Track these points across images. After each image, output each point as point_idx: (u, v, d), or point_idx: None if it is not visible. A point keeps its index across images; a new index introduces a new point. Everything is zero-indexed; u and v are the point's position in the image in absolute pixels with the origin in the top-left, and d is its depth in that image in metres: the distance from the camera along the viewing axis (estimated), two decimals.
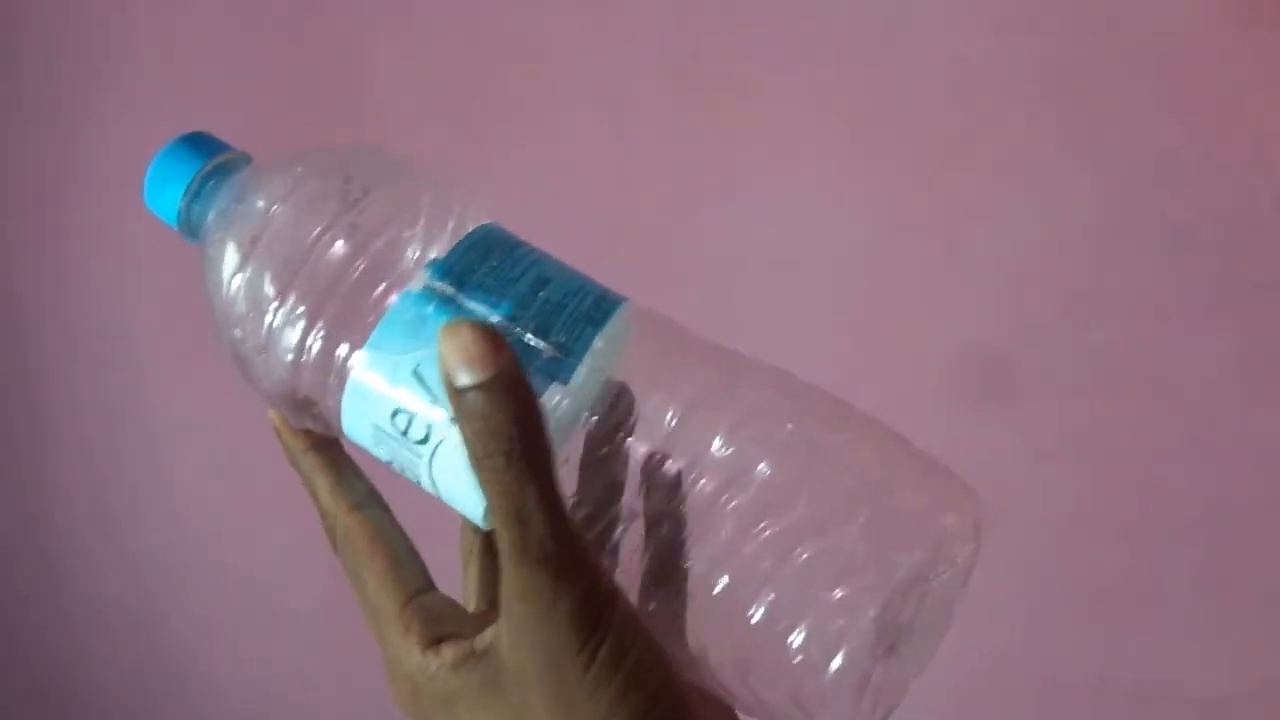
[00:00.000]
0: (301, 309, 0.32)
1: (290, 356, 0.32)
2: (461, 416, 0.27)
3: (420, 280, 0.32)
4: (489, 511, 0.28)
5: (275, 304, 0.32)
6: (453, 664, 0.31)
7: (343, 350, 0.32)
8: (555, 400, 0.31)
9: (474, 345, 0.27)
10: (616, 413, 0.32)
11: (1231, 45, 0.70)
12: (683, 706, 0.30)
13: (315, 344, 0.32)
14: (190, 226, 0.36)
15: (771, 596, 0.31)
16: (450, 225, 0.33)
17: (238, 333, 0.33)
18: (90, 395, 1.29)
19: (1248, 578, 0.77)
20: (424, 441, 0.31)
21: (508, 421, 0.27)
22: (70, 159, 1.16)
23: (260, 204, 0.33)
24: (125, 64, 1.09)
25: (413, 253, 0.32)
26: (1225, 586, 0.78)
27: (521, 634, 0.29)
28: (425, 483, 0.32)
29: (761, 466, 0.31)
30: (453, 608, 0.34)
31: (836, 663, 0.30)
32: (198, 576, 1.29)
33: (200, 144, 0.36)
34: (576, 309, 0.32)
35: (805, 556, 0.30)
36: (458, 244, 0.33)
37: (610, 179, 0.87)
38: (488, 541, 0.37)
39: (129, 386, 1.24)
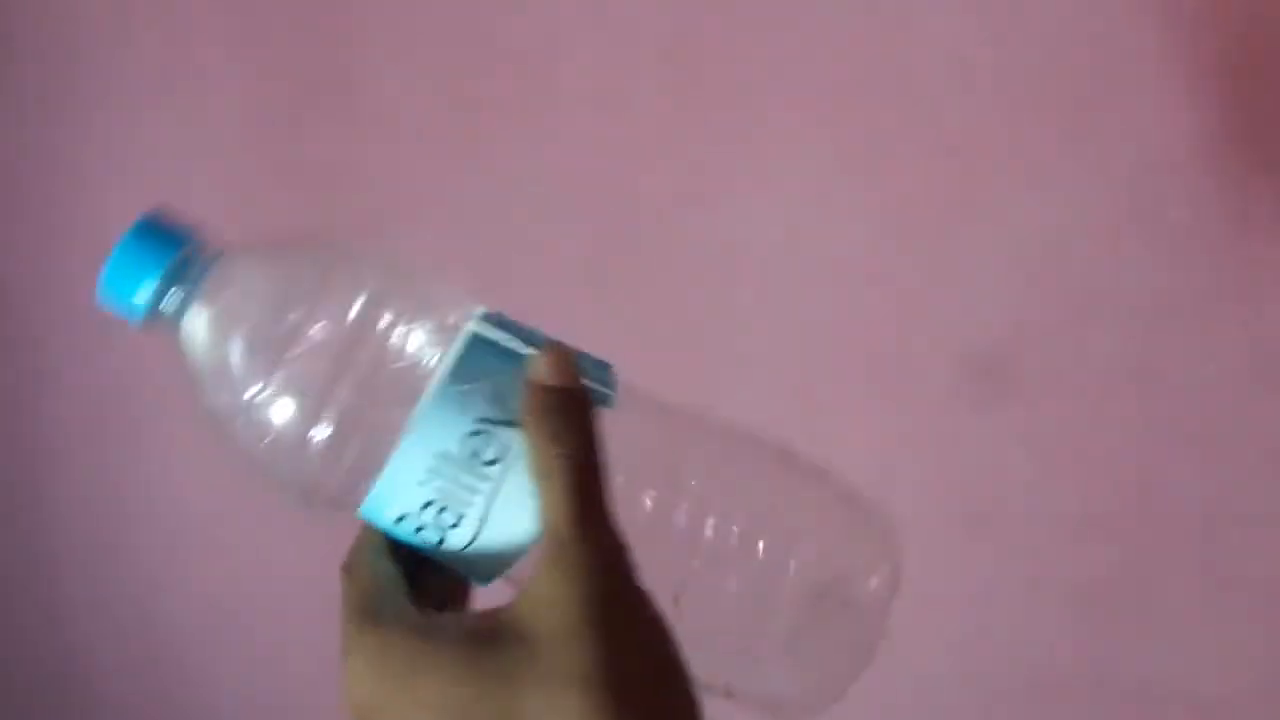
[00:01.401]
0: (346, 395, 0.34)
1: (330, 440, 0.34)
2: (540, 413, 0.33)
3: (476, 325, 0.35)
4: (550, 494, 0.32)
5: (315, 397, 0.34)
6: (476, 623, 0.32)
7: (393, 410, 0.34)
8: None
9: (564, 363, 0.34)
10: None
11: (1232, 46, 0.70)
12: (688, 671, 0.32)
13: (362, 419, 0.35)
14: (162, 321, 0.37)
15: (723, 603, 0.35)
16: (455, 295, 0.37)
17: (261, 438, 0.35)
18: (90, 395, 1.29)
19: (1248, 577, 0.77)
20: (495, 462, 0.34)
21: (581, 421, 0.33)
22: (69, 158, 1.16)
23: (270, 309, 0.35)
24: (124, 63, 1.09)
25: (439, 323, 0.35)
26: (1225, 586, 0.78)
27: (577, 575, 0.31)
28: (476, 509, 0.34)
29: (722, 511, 0.36)
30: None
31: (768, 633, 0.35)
32: (198, 577, 1.29)
33: (163, 230, 0.36)
34: (589, 359, 0.36)
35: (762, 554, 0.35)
36: (487, 311, 0.36)
37: (610, 179, 0.87)
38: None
39: (128, 386, 1.24)
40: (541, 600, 0.31)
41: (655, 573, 0.34)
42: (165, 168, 1.07)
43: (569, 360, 0.34)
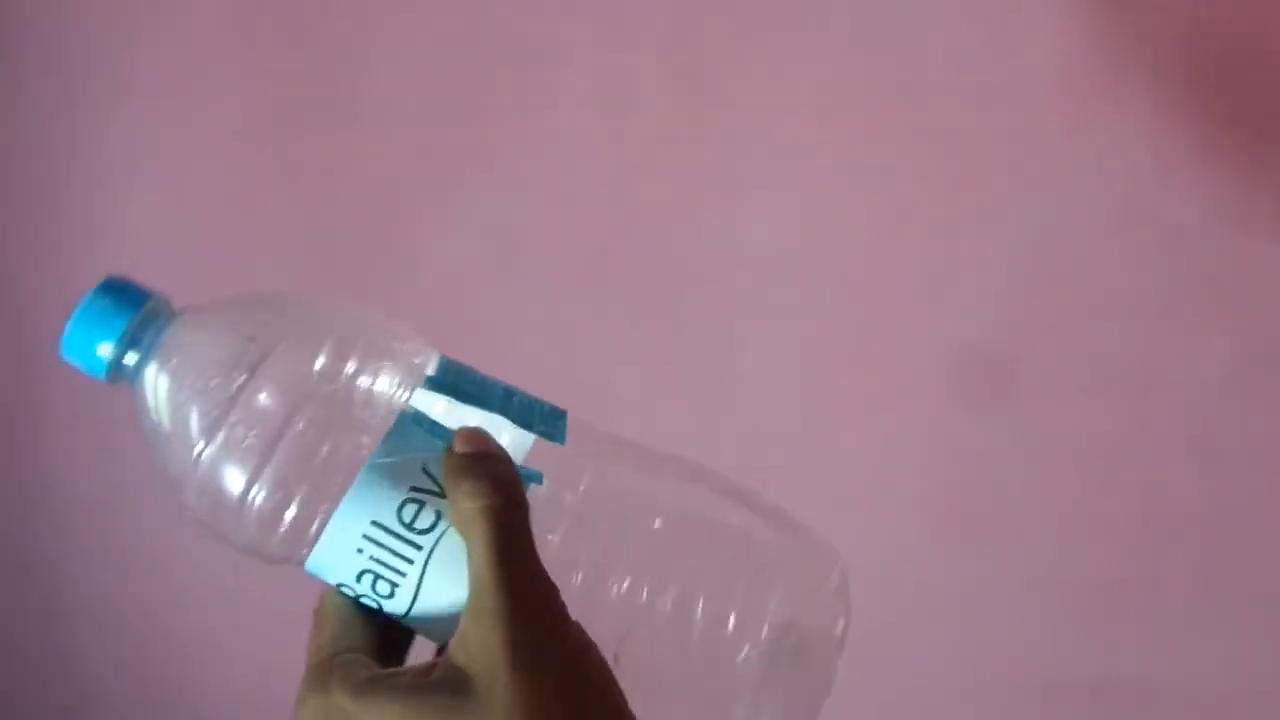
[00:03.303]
0: (289, 459, 0.35)
1: (269, 504, 0.36)
2: (457, 473, 0.34)
3: (419, 397, 0.36)
4: (473, 546, 0.33)
5: (257, 461, 0.35)
6: (411, 684, 0.32)
7: (333, 475, 0.35)
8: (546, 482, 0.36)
9: (479, 437, 0.35)
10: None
11: (1232, 47, 0.70)
12: (623, 702, 0.34)
13: (303, 484, 0.35)
14: (123, 377, 0.37)
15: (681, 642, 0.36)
16: (406, 351, 0.38)
17: (205, 498, 0.36)
18: (89, 394, 1.29)
19: (1247, 577, 0.77)
20: (430, 529, 0.34)
21: (498, 475, 0.34)
22: (71, 157, 1.16)
23: (220, 376, 0.36)
24: (126, 63, 1.09)
25: (387, 384, 0.37)
26: (1225, 586, 0.78)
27: (498, 621, 0.32)
28: (410, 578, 0.35)
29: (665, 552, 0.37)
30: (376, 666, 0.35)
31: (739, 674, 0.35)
32: (197, 577, 1.29)
33: (123, 292, 0.37)
34: (543, 409, 0.38)
35: (704, 608, 0.36)
36: (439, 367, 0.38)
37: (610, 180, 0.87)
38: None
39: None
40: (469, 646, 0.32)
41: (595, 631, 0.35)
42: (166, 168, 1.08)
43: (484, 437, 0.35)
